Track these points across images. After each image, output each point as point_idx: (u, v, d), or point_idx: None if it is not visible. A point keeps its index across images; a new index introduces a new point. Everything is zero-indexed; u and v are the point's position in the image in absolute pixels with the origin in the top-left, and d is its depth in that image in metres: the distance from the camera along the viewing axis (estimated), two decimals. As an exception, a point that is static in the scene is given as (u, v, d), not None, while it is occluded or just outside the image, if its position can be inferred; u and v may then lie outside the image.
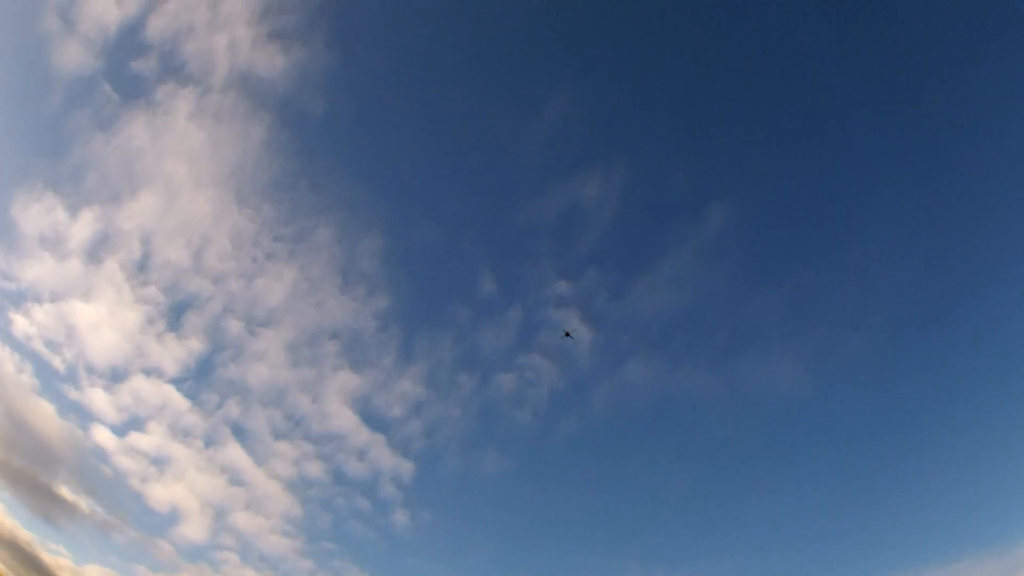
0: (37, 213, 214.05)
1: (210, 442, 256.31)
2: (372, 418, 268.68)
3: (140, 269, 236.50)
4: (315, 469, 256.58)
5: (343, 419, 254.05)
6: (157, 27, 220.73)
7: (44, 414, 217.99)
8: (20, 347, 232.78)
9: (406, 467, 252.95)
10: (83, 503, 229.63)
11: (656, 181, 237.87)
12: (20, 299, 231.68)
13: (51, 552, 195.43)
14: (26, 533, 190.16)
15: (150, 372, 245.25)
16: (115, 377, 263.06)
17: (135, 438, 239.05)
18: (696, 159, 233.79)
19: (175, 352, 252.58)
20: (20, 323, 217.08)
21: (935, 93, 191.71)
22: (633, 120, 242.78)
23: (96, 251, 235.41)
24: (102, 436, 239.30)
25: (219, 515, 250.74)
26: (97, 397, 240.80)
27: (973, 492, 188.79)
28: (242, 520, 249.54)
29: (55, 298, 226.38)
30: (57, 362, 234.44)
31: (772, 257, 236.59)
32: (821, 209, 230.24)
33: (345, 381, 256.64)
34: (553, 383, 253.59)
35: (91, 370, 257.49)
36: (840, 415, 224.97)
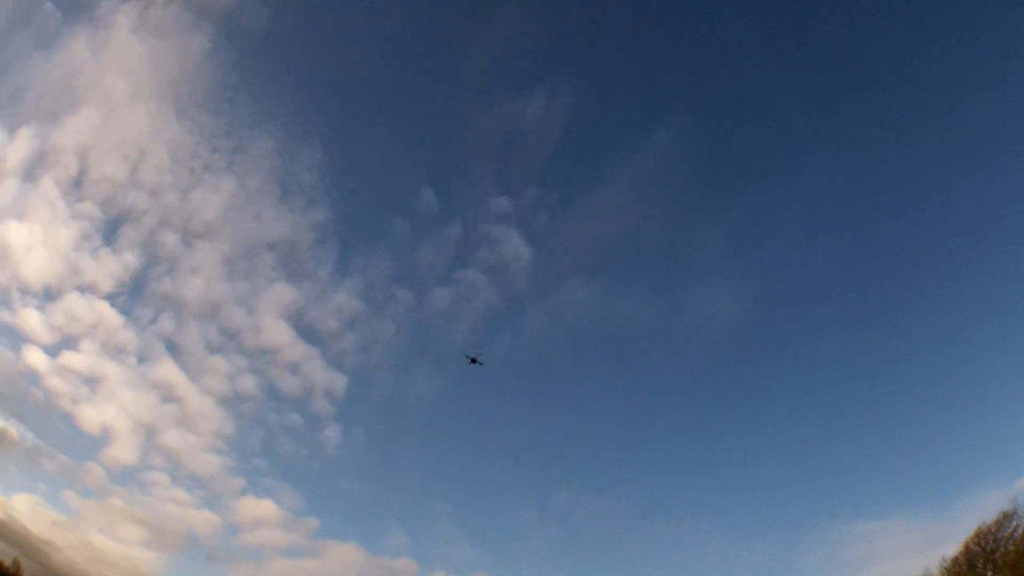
0: None
1: (143, 358, 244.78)
2: (307, 332, 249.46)
3: (76, 185, 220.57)
4: (248, 384, 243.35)
5: (278, 333, 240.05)
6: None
7: None
8: None
9: (340, 382, 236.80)
10: (12, 430, 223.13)
11: (602, 102, 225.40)
12: None
13: None
14: None
15: (84, 289, 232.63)
16: (48, 296, 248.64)
17: (67, 357, 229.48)
18: (643, 81, 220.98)
19: (110, 268, 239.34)
20: None
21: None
22: (582, 39, 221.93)
23: (32, 170, 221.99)
24: (34, 357, 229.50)
25: (150, 434, 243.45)
26: (30, 318, 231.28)
27: (912, 447, 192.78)
28: (173, 439, 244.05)
29: None
30: None
31: (715, 184, 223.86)
32: (765, 137, 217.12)
33: (281, 294, 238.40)
34: (489, 300, 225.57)
35: (24, 291, 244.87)
36: (782, 346, 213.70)
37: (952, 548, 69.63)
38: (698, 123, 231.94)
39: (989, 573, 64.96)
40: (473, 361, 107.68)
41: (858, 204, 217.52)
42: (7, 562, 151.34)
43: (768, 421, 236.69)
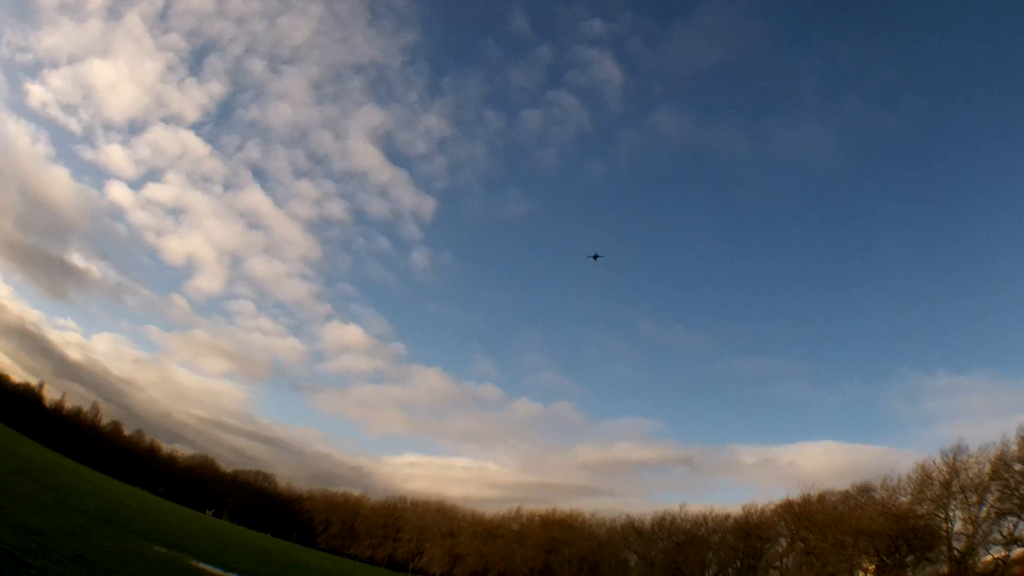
0: None
1: (229, 186, 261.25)
2: (396, 155, 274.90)
3: (161, 18, 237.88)
4: (336, 209, 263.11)
5: (366, 156, 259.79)
6: None
7: (59, 182, 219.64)
8: (35, 117, 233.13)
9: (428, 205, 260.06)
10: (95, 269, 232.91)
11: None
12: (36, 69, 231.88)
13: (59, 328, 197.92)
14: (34, 313, 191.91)
15: (169, 121, 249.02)
16: (133, 130, 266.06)
17: (152, 190, 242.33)
18: None
19: (195, 98, 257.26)
20: (36, 92, 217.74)
21: None
22: None
23: (116, 7, 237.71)
24: (118, 192, 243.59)
25: (235, 263, 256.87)
26: (114, 153, 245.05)
27: (1002, 303, 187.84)
28: (259, 266, 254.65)
29: (73, 60, 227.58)
30: (74, 124, 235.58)
31: (812, 20, 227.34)
32: None
33: (369, 117, 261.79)
34: (581, 124, 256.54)
35: (109, 127, 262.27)
36: (869, 192, 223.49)
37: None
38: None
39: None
40: (595, 257, 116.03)
41: (967, 47, 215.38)
42: (85, 407, 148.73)
43: (857, 264, 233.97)
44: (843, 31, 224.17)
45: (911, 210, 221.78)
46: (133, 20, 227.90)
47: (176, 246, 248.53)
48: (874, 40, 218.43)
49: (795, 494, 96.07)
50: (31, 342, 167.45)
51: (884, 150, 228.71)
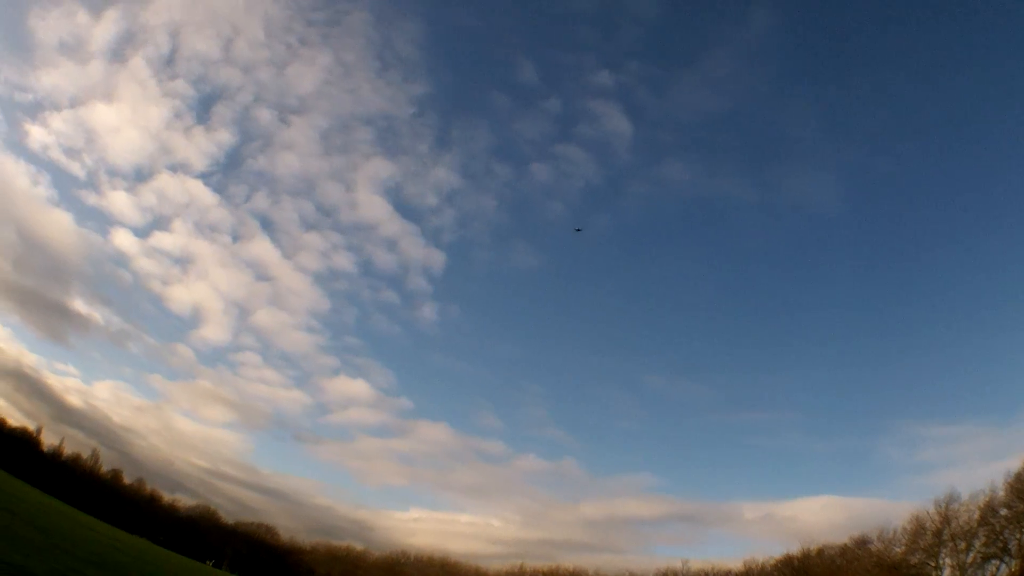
0: (56, 19, 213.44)
1: (237, 236, 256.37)
2: (405, 207, 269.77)
3: (167, 63, 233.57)
4: (344, 261, 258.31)
5: (375, 208, 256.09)
6: None
7: (60, 225, 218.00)
8: (36, 159, 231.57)
9: (437, 258, 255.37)
10: (97, 315, 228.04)
11: None
12: (36, 109, 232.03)
13: (58, 373, 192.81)
14: (32, 357, 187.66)
15: (176, 168, 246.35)
16: (139, 177, 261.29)
17: (158, 238, 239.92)
18: None
19: (203, 146, 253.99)
20: (36, 134, 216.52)
21: None
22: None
23: (120, 50, 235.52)
24: (123, 240, 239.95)
25: (242, 314, 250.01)
26: (119, 200, 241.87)
27: (989, 353, 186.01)
28: (265, 318, 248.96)
29: (75, 103, 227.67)
30: (76, 168, 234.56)
31: (812, 67, 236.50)
32: (861, 22, 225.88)
33: (378, 169, 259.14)
34: (589, 176, 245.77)
35: (113, 172, 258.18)
36: (868, 236, 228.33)
37: (1016, 462, 70.96)
38: (797, 1, 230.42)
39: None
40: (578, 230, 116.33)
41: (959, 92, 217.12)
42: (85, 453, 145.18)
43: (855, 316, 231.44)
44: (841, 79, 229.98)
45: (904, 259, 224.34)
46: (137, 64, 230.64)
47: (182, 295, 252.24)
48: (870, 84, 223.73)
49: (795, 548, 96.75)
50: (28, 385, 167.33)
51: (881, 195, 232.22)
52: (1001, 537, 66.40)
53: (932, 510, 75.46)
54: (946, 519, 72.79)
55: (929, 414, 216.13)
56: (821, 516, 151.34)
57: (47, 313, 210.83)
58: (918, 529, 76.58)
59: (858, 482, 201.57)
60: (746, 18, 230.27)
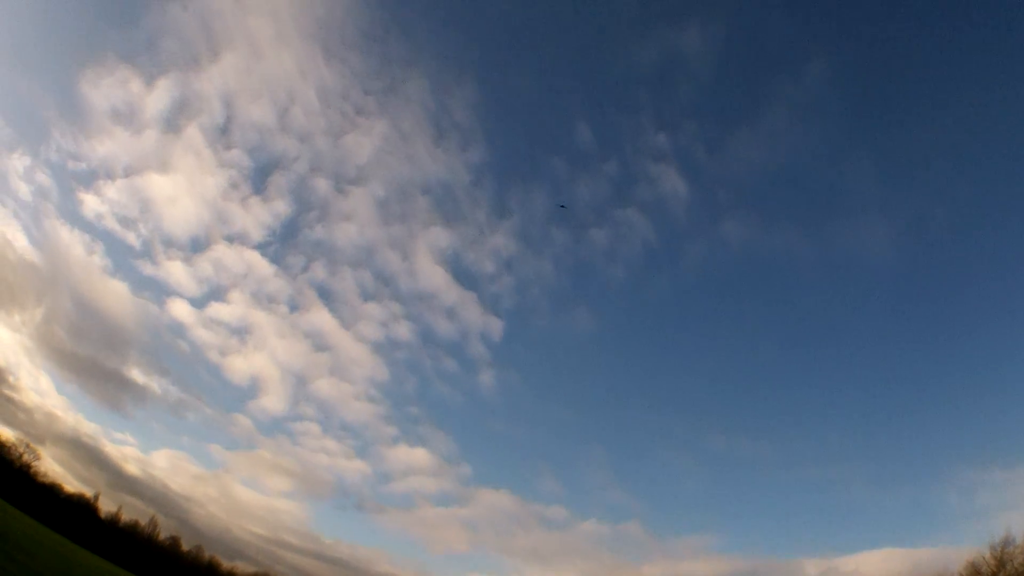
0: (109, 87, 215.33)
1: (295, 307, 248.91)
2: (463, 275, 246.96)
3: (222, 133, 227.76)
4: (403, 330, 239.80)
5: (434, 277, 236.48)
6: None
7: (116, 295, 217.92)
8: (91, 228, 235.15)
9: (496, 325, 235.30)
10: (155, 384, 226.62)
11: (756, 33, 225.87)
12: (90, 178, 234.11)
13: (116, 442, 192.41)
14: (90, 425, 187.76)
15: (233, 239, 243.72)
16: (195, 247, 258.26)
17: (215, 309, 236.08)
18: (797, 11, 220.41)
19: (260, 216, 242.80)
20: (91, 203, 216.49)
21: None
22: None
23: (174, 119, 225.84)
24: (179, 310, 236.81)
25: (300, 384, 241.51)
26: (175, 270, 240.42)
27: None
28: (324, 387, 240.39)
29: (129, 173, 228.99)
30: (132, 238, 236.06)
31: (867, 118, 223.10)
32: (919, 70, 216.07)
33: (436, 237, 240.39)
34: (647, 239, 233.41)
35: (169, 243, 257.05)
36: (923, 286, 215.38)
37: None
38: (852, 53, 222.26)
39: None
40: (562, 207, 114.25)
41: (1014, 135, 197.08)
42: (143, 521, 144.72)
43: (916, 363, 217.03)
44: (897, 128, 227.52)
45: (959, 306, 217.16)
46: (192, 133, 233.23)
47: (240, 365, 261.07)
48: (929, 134, 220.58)
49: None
50: (86, 453, 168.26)
51: (938, 244, 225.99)
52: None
53: (988, 554, 71.58)
54: (1001, 562, 68.34)
55: (990, 459, 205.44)
56: (882, 568, 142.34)
57: (104, 382, 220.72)
58: (974, 574, 72.19)
59: (918, 531, 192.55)
60: (801, 71, 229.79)
